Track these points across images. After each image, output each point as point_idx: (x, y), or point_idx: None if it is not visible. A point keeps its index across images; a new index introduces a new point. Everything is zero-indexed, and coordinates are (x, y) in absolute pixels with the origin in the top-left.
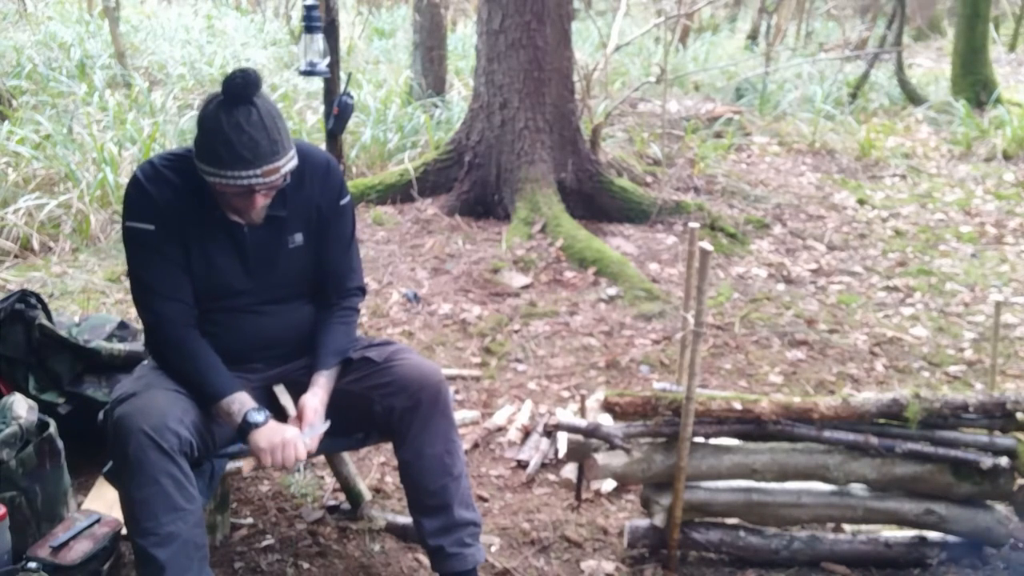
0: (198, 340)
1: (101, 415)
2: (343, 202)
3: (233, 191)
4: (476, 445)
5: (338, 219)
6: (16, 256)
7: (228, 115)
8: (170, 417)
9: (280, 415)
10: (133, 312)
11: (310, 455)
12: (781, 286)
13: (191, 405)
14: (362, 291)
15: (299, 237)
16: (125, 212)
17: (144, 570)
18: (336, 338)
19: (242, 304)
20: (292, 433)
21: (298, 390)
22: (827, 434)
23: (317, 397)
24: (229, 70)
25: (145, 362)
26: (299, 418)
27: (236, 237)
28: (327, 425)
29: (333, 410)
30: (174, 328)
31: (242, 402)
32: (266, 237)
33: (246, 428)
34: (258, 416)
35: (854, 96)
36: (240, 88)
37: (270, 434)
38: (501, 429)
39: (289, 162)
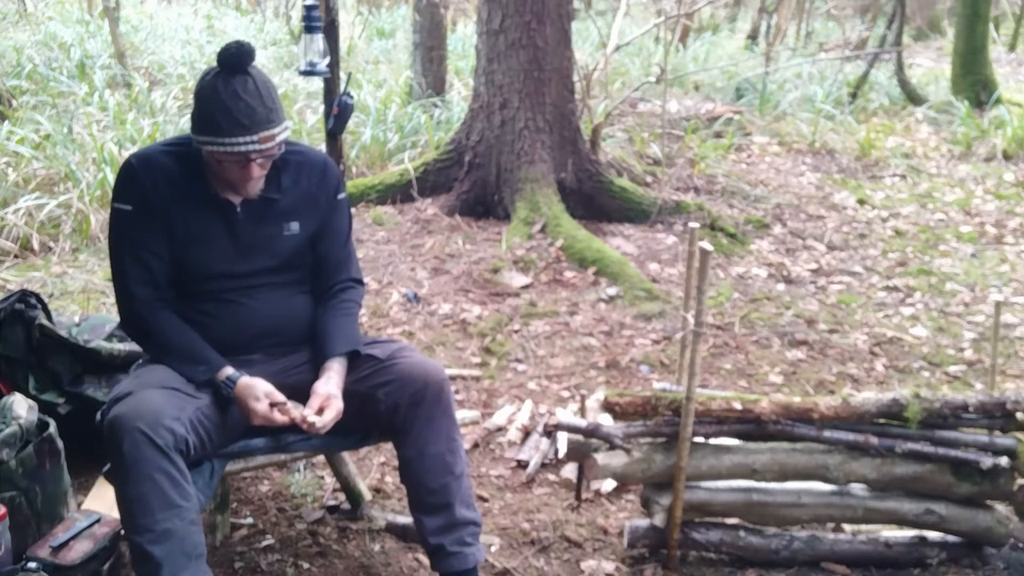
0: (171, 319)
1: (98, 415)
2: (340, 196)
3: (230, 160)
4: (476, 445)
5: (335, 212)
6: (16, 256)
7: (225, 84)
8: (165, 414)
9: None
10: None
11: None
12: (781, 286)
13: (187, 403)
14: (359, 283)
15: (295, 226)
16: (113, 194)
17: (140, 567)
18: (342, 327)
19: (234, 288)
20: (269, 386)
21: (303, 393)
22: (827, 434)
23: (332, 382)
24: None
25: (140, 361)
26: (315, 404)
27: (229, 218)
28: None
29: None
30: (143, 308)
31: (221, 372)
32: (259, 219)
33: (229, 386)
34: (231, 372)
35: (854, 96)
36: (235, 58)
37: (251, 388)
38: (501, 429)
39: (284, 131)
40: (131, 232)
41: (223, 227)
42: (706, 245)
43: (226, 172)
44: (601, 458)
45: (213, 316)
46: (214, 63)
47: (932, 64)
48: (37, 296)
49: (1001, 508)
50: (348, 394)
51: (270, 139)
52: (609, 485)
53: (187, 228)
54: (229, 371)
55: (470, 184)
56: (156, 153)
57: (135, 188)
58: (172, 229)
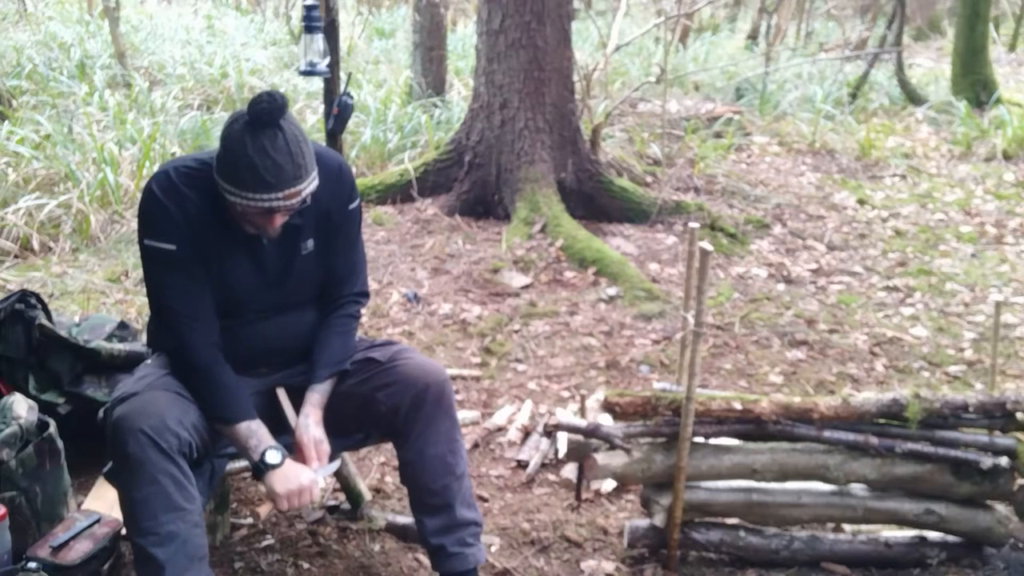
0: (221, 362)
1: (101, 414)
2: (352, 206)
3: (253, 212)
4: (476, 445)
5: (346, 222)
6: (16, 256)
7: (253, 139)
8: (170, 417)
9: (280, 418)
10: (133, 312)
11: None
12: (781, 286)
13: (191, 406)
14: (365, 295)
15: (310, 243)
16: (144, 229)
17: (144, 570)
18: (332, 350)
19: (253, 313)
20: (308, 478)
21: (300, 395)
22: (827, 434)
23: (311, 419)
24: (229, 70)
25: (147, 361)
26: (299, 450)
27: (254, 250)
28: (338, 463)
29: (336, 412)
30: (198, 351)
31: (260, 437)
32: (282, 247)
33: (263, 468)
34: (275, 456)
35: (854, 96)
36: (266, 112)
37: (286, 480)
38: (501, 429)
39: (311, 184)
40: (178, 271)
41: (249, 260)
42: (706, 245)
43: (247, 218)
44: (601, 458)
45: (225, 336)
46: (214, 64)
47: (932, 64)
48: (37, 296)
49: (1001, 508)
50: (349, 396)
51: (296, 195)
52: (609, 485)
53: (218, 263)
54: (268, 456)
55: (470, 184)
56: (179, 182)
57: (171, 224)
58: (207, 263)
